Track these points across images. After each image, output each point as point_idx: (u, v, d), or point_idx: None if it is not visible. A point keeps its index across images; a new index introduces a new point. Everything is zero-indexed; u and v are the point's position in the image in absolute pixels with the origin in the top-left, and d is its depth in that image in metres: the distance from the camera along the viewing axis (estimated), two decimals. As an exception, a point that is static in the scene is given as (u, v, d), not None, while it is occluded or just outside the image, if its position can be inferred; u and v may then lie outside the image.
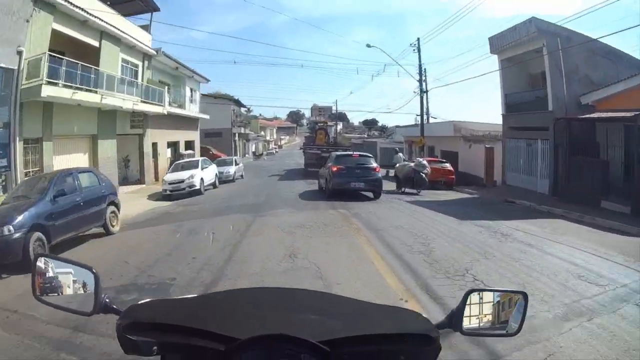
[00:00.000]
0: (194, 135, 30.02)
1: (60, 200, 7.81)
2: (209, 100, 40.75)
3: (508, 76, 18.75)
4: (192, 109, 28.94)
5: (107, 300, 1.17)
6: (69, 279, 1.18)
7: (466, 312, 1.17)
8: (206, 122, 36.43)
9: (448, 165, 19.53)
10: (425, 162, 16.82)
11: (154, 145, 22.48)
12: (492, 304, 1.18)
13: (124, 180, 20.69)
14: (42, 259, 1.20)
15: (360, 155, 15.41)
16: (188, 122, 28.35)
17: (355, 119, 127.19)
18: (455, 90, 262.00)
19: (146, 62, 21.66)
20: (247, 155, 51.91)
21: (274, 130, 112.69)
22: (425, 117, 34.14)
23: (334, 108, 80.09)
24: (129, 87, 18.29)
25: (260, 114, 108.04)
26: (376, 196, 14.23)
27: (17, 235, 6.62)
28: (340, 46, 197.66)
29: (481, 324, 1.18)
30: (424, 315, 1.18)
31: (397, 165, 17.98)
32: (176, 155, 25.31)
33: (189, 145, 28.80)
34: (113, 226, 9.68)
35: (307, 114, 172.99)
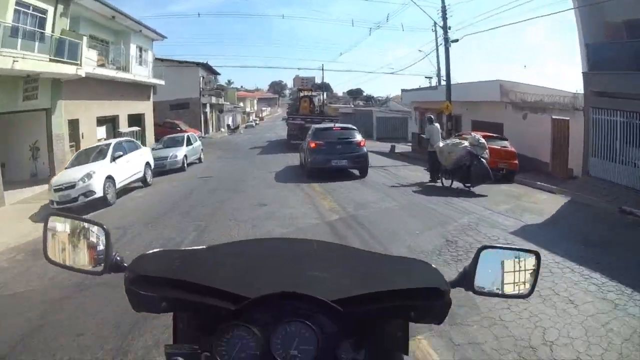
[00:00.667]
0: (145, 107, 23.17)
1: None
2: (172, 66, 33.46)
3: (586, 20, 12.46)
4: (141, 73, 21.92)
5: (118, 258, 1.10)
6: (80, 236, 1.14)
7: (478, 270, 1.11)
8: (171, 92, 29.98)
9: (508, 145, 13.11)
10: (482, 139, 10.53)
11: (73, 123, 15.71)
12: (504, 262, 1.14)
13: (33, 178, 14.14)
14: (53, 217, 1.16)
15: (341, 128, 13.89)
16: (135, 90, 21.52)
17: (339, 88, 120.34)
18: (485, 45, 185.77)
19: (60, 7, 14.59)
20: (222, 130, 44.89)
21: (254, 102, 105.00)
22: (437, 79, 27.98)
23: (317, 79, 78.74)
24: (28, 41, 12.27)
25: (241, 86, 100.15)
26: (362, 174, 13.01)
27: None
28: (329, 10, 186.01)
29: (493, 284, 1.14)
30: (433, 266, 1.14)
31: (439, 144, 11.52)
32: (115, 135, 18.57)
33: (136, 120, 21.96)
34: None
35: (290, 84, 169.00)
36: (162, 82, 23.85)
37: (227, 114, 53.79)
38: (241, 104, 75.19)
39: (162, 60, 33.25)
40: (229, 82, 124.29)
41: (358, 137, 13.14)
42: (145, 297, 1.00)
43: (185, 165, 17.56)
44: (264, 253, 1.25)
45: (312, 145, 12.73)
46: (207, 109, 38.02)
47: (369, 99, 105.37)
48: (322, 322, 0.96)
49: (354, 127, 14.01)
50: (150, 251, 1.15)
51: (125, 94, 20.58)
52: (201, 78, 34.97)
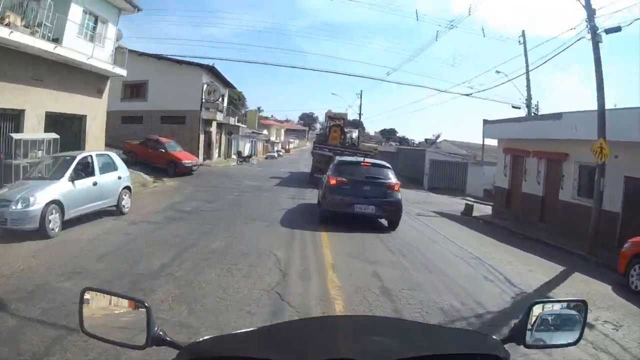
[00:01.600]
0: (90, 107, 14.78)
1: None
2: (168, 66, 25.68)
3: None
4: (85, 51, 13.62)
5: (161, 332, 1.12)
6: (118, 311, 1.15)
7: (529, 324, 1.13)
8: (167, 100, 23.10)
9: None
10: None
11: None
12: (552, 314, 1.15)
13: None
14: (89, 292, 1.17)
15: (372, 165, 10.60)
16: (73, 77, 13.28)
17: (371, 127, 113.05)
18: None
19: None
20: (233, 157, 36.53)
21: (282, 132, 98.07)
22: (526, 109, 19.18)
23: (350, 116, 74.52)
24: None
25: (272, 115, 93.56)
26: (392, 226, 10.05)
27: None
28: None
29: (544, 334, 1.14)
30: (492, 336, 1.13)
31: None
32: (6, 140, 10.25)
33: (67, 123, 13.60)
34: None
35: (321, 118, 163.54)
36: (123, 73, 15.52)
37: (244, 140, 45.83)
38: (265, 132, 67.79)
39: (158, 58, 25.71)
40: (259, 109, 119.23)
41: (392, 178, 10.24)
42: None
43: (52, 225, 7.69)
44: (319, 328, 1.26)
45: (332, 182, 9.82)
46: (213, 128, 29.75)
47: (402, 140, 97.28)
48: None
49: (388, 165, 10.94)
50: (201, 339, 1.13)
51: (49, 79, 12.38)
52: (204, 86, 26.70)
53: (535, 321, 1.14)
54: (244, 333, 1.25)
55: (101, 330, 1.14)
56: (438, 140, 38.56)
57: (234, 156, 36.80)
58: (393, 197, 9.95)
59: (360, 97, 43.18)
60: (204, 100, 26.40)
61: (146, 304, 1.13)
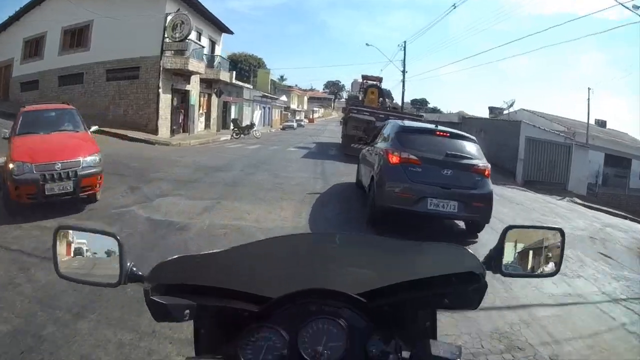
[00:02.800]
0: None
1: None
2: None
3: None
4: None
5: (134, 268, 1.06)
6: (91, 249, 1.11)
7: (505, 251, 1.09)
8: (114, 48, 15.99)
9: None
10: None
11: None
12: (529, 240, 1.13)
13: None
14: (62, 231, 1.11)
15: (452, 135, 6.53)
16: None
17: (399, 99, 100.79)
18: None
19: None
20: (231, 128, 27.04)
21: (304, 99, 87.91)
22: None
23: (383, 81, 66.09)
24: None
25: (296, 85, 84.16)
26: (477, 229, 6.26)
27: None
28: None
29: (520, 264, 1.12)
30: (468, 250, 1.08)
31: None
32: None
33: None
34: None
35: (348, 86, 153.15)
36: None
37: (251, 105, 36.30)
38: (283, 98, 57.99)
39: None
40: (282, 78, 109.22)
41: (482, 158, 6.25)
42: (168, 307, 0.95)
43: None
44: (286, 251, 1.19)
45: (393, 159, 6.04)
46: (193, 87, 20.17)
47: (434, 111, 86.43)
48: (349, 317, 0.94)
49: (473, 138, 6.67)
50: (168, 259, 1.06)
51: None
52: (166, 17, 16.90)
53: (511, 246, 1.09)
54: (211, 255, 1.13)
55: (76, 270, 1.09)
56: (512, 109, 27.49)
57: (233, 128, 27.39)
58: (484, 188, 5.95)
59: (404, 49, 32.58)
60: (165, 39, 16.65)
61: (118, 238, 1.05)
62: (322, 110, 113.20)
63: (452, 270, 1.04)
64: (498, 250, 1.08)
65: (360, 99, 20.63)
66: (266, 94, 40.58)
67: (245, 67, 55.75)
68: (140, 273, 1.05)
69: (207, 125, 24.45)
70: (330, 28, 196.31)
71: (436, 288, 1.00)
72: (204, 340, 1.04)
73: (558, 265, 1.13)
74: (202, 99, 22.76)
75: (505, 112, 28.33)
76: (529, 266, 1.13)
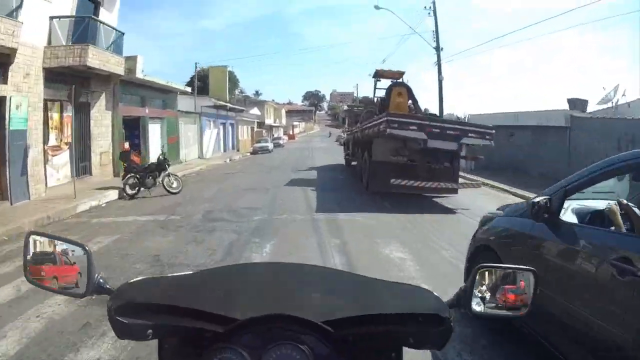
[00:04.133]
0: None
1: None
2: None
3: None
4: None
5: (101, 280, 1.05)
6: (60, 257, 1.09)
7: (475, 291, 1.07)
8: None
9: None
10: None
11: None
12: (500, 280, 1.11)
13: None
14: (33, 236, 1.10)
15: None
16: None
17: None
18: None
19: None
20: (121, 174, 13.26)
21: (282, 112, 74.84)
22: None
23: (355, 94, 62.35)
24: None
25: (272, 100, 72.33)
26: None
27: None
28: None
29: (490, 304, 1.10)
30: (435, 293, 1.07)
31: None
32: None
33: None
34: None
35: (328, 96, 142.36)
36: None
37: (199, 122, 22.78)
38: (255, 111, 44.62)
39: None
40: (257, 94, 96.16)
41: None
42: (130, 326, 0.95)
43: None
44: (254, 277, 1.19)
45: None
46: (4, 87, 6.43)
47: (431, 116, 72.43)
48: (313, 345, 0.92)
49: None
50: (136, 279, 1.07)
51: None
52: None
53: (481, 287, 1.09)
54: (178, 277, 1.17)
55: (44, 277, 1.08)
56: (622, 99, 14.39)
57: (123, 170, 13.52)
58: None
59: (434, 13, 19.57)
60: None
61: (87, 249, 1.06)
62: (302, 125, 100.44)
63: (419, 310, 1.02)
64: (468, 289, 1.07)
65: (375, 103, 14.02)
66: (224, 104, 26.91)
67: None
68: (108, 286, 1.05)
69: (85, 169, 10.95)
70: (307, 40, 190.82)
71: (400, 325, 0.99)
72: (168, 358, 1.02)
73: (530, 304, 1.10)
74: (52, 113, 9.28)
75: (607, 104, 15.56)
76: (499, 306, 1.11)
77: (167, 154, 11.78)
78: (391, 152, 10.14)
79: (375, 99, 14.72)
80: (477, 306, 1.08)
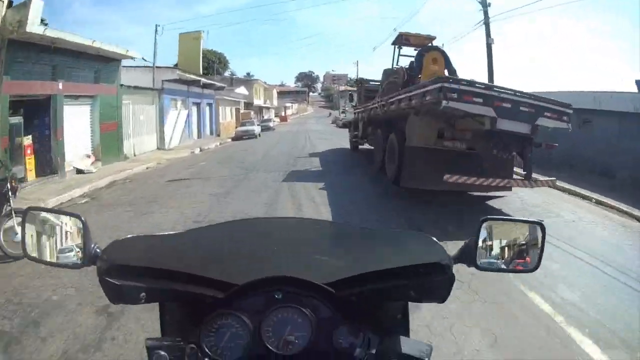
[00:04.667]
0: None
1: None
2: None
3: None
4: None
5: (98, 249, 1.00)
6: (57, 229, 1.07)
7: (480, 244, 1.03)
8: None
9: None
10: None
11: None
12: (507, 234, 1.07)
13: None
14: (31, 212, 1.08)
15: None
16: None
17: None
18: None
19: None
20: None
21: (273, 93, 69.27)
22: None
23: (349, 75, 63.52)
24: None
25: (264, 82, 66.99)
26: None
27: None
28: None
29: (497, 258, 1.06)
30: (434, 239, 1.04)
31: None
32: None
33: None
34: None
35: (322, 78, 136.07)
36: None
37: (159, 103, 17.56)
38: (241, 90, 39.27)
39: None
40: (248, 75, 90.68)
41: None
42: (122, 288, 0.91)
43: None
44: (250, 236, 1.15)
45: None
46: None
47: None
48: (315, 307, 0.91)
49: None
50: (125, 237, 1.04)
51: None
52: None
53: (486, 240, 1.04)
54: (171, 236, 1.13)
55: (42, 251, 1.06)
56: None
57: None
58: None
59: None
60: None
61: (82, 219, 1.01)
62: (295, 106, 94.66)
63: (418, 261, 0.99)
64: (473, 243, 1.03)
65: (402, 75, 9.99)
66: (196, 78, 21.41)
67: (205, 63, 46.39)
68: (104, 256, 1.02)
69: None
70: (301, 24, 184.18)
71: (401, 279, 0.96)
72: (169, 323, 1.01)
73: (538, 260, 1.06)
74: None
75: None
76: (506, 260, 1.07)
77: (9, 166, 6.47)
78: (438, 135, 7.61)
79: (397, 68, 11.22)
80: (483, 260, 1.04)
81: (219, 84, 26.40)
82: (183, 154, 17.11)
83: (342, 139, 20.03)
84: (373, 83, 13.93)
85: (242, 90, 40.81)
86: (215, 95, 27.22)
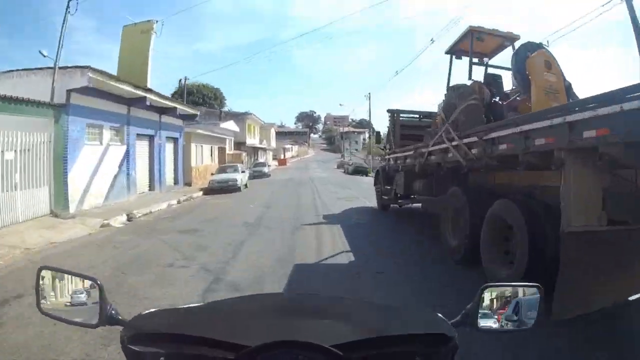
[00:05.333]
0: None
1: None
2: None
3: None
4: None
5: (113, 311, 1.09)
6: (73, 290, 1.12)
7: (481, 309, 1.12)
8: None
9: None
10: None
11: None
12: (506, 298, 1.15)
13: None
14: (45, 270, 1.12)
15: None
16: None
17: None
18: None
19: None
20: None
21: (271, 133, 61.86)
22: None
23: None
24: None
25: (261, 120, 60.39)
26: None
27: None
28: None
29: (497, 320, 1.14)
30: (439, 315, 1.13)
31: None
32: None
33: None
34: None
35: (323, 118, 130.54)
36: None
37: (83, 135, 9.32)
38: (229, 125, 31.55)
39: None
40: (247, 114, 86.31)
41: None
42: (143, 354, 0.96)
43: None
44: (264, 307, 1.23)
45: None
46: None
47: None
48: None
49: None
50: (148, 311, 1.11)
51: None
52: None
53: (487, 305, 1.13)
54: (189, 308, 1.21)
55: (57, 309, 1.11)
56: None
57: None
58: None
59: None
60: None
61: (98, 282, 1.09)
62: (295, 148, 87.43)
63: (425, 331, 1.06)
64: (474, 308, 1.10)
65: (480, 91, 6.76)
66: (141, 94, 12.97)
67: (199, 99, 44.67)
68: (119, 317, 1.09)
69: None
70: (300, 66, 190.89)
71: (407, 346, 1.01)
72: None
73: (535, 317, 1.14)
74: None
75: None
76: (505, 322, 1.14)
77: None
78: (603, 205, 3.65)
79: (472, 83, 7.10)
80: (483, 323, 1.11)
81: (190, 111, 18.19)
82: (87, 228, 8.61)
83: (359, 191, 17.34)
84: (408, 117, 10.80)
85: (230, 125, 32.91)
86: (185, 127, 19.05)
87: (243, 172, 19.86)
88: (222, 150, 28.49)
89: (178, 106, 16.70)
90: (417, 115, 10.78)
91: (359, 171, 38.57)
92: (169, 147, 17.47)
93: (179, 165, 18.57)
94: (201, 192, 17.08)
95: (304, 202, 13.90)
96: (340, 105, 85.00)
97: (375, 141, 13.92)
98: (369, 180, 25.40)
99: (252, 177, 29.91)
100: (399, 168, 9.68)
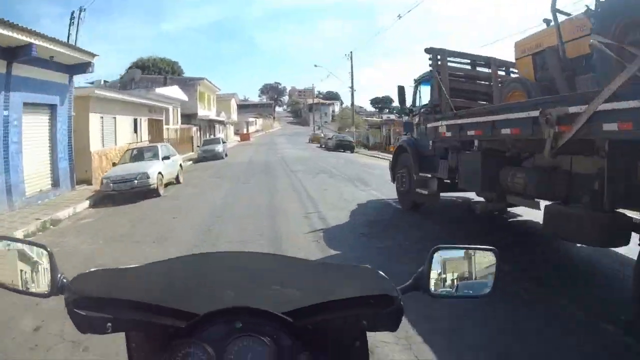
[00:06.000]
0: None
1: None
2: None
3: None
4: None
5: (65, 280, 1.01)
6: (25, 258, 1.06)
7: (432, 273, 1.05)
8: None
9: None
10: None
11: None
12: (459, 261, 1.08)
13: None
14: (1, 240, 1.06)
15: None
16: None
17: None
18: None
19: None
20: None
21: (232, 104, 53.94)
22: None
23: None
24: None
25: (217, 87, 51.98)
26: None
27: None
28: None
29: (450, 285, 1.07)
30: (380, 273, 1.02)
31: None
32: None
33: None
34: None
35: (288, 90, 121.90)
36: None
37: None
38: (173, 92, 23.84)
39: None
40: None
41: None
42: (88, 319, 0.93)
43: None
44: (211, 268, 1.15)
45: None
46: None
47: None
48: (275, 336, 0.92)
49: None
50: (89, 270, 1.03)
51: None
52: None
53: (439, 268, 1.06)
54: (135, 269, 1.09)
55: (11, 279, 1.04)
56: None
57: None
58: None
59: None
60: None
61: (48, 249, 1.03)
62: (260, 122, 79.28)
63: (367, 293, 1.02)
64: (425, 272, 1.05)
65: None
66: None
67: (154, 72, 42.36)
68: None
69: None
70: (261, 43, 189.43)
71: (352, 310, 0.99)
72: (135, 351, 1.01)
73: (492, 284, 1.07)
74: None
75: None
76: (459, 287, 1.07)
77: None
78: None
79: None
80: (435, 288, 1.05)
81: (72, 53, 10.52)
82: None
83: (352, 175, 13.87)
84: (460, 63, 7.42)
85: (174, 91, 25.01)
86: (71, 87, 11.38)
87: (167, 158, 12.22)
88: (156, 124, 20.69)
89: (39, 42, 8.96)
90: (469, 61, 7.56)
91: (342, 146, 31.96)
92: (32, 121, 9.83)
93: (61, 151, 10.96)
94: (88, 203, 9.64)
95: (280, 199, 8.42)
96: (315, 66, 77.02)
97: (398, 100, 9.15)
98: (372, 162, 20.27)
99: (201, 159, 22.39)
100: (459, 144, 6.39)
